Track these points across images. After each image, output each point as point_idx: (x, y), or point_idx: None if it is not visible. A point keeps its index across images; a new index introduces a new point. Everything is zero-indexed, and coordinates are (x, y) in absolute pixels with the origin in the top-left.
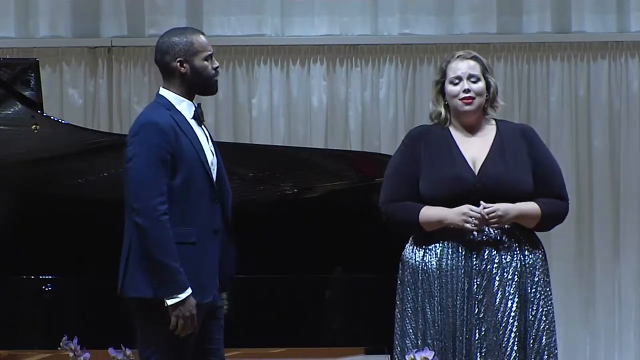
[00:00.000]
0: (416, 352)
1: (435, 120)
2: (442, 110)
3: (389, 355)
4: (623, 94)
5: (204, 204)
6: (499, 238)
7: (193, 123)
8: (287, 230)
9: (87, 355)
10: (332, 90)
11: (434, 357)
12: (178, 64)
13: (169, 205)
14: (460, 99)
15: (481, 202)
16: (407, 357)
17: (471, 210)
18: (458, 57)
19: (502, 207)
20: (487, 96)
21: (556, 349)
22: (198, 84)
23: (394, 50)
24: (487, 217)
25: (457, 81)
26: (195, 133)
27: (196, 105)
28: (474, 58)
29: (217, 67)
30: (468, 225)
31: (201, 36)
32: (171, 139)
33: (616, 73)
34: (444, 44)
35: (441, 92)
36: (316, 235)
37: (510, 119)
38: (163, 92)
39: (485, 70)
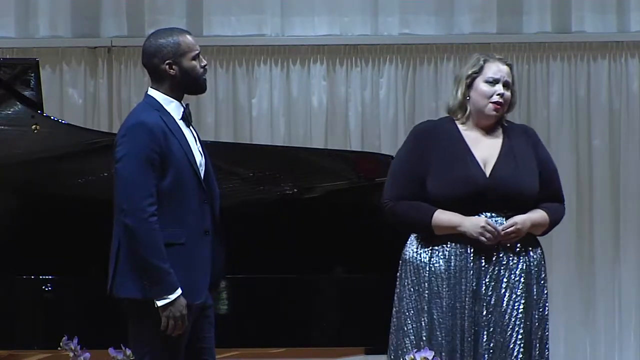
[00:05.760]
0: (416, 352)
1: (457, 114)
2: (468, 106)
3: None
4: (623, 94)
5: (193, 205)
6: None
7: (181, 124)
8: (287, 230)
9: (87, 355)
10: (332, 90)
11: (433, 357)
12: (167, 66)
13: (158, 206)
14: (493, 102)
15: (497, 221)
16: (407, 357)
17: (489, 224)
18: (498, 59)
19: (520, 221)
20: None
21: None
22: (187, 85)
23: (394, 50)
24: (503, 234)
25: (493, 82)
26: (183, 134)
27: (185, 106)
28: (510, 67)
29: (205, 65)
30: (483, 239)
31: (187, 36)
32: (160, 139)
33: (616, 73)
34: (444, 44)
35: (468, 86)
36: (316, 235)
37: (511, 118)
38: (152, 92)
39: (513, 82)
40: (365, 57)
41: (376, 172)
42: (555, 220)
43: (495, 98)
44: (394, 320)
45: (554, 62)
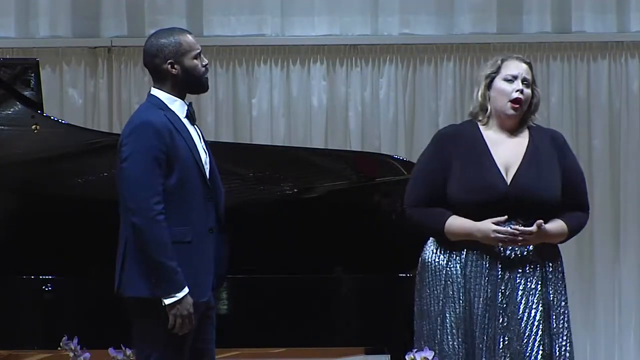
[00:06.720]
0: (416, 352)
1: (478, 116)
2: (489, 106)
3: (389, 355)
4: (623, 94)
5: (199, 203)
6: (523, 247)
7: (186, 122)
8: (287, 231)
9: (87, 355)
10: (332, 90)
11: (434, 357)
12: (169, 65)
13: (165, 204)
14: (511, 100)
15: (511, 224)
16: (407, 357)
17: (499, 230)
18: (516, 58)
19: (536, 230)
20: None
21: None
22: (190, 84)
23: (394, 50)
24: (518, 234)
25: (511, 79)
26: (189, 132)
27: (188, 104)
28: (529, 65)
29: (207, 64)
30: (500, 243)
31: (188, 35)
32: (166, 138)
33: (616, 73)
34: (444, 44)
35: (488, 87)
36: (316, 235)
37: None
38: (155, 92)
39: (534, 81)
40: (365, 57)
41: (376, 172)
42: (575, 230)
43: (515, 95)
44: (415, 319)
45: (554, 62)
